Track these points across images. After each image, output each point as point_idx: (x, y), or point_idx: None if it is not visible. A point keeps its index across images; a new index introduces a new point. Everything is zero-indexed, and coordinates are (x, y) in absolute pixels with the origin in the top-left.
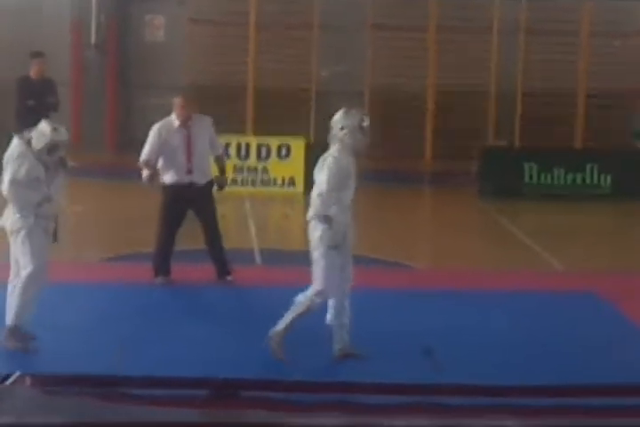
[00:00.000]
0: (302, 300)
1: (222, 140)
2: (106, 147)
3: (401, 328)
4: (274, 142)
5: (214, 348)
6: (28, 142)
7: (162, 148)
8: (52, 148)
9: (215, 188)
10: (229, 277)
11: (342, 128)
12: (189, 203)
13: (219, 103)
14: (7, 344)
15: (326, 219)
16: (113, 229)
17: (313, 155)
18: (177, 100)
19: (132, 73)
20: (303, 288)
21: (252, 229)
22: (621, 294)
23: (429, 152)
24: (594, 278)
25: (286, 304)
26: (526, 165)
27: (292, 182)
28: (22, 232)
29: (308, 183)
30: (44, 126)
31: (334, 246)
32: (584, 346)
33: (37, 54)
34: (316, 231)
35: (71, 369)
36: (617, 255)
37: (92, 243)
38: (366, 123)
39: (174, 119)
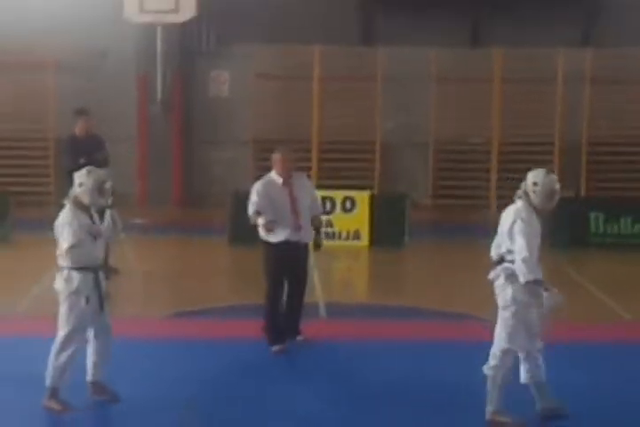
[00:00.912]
0: (492, 365)
1: None
2: (171, 202)
3: (469, 381)
4: (338, 195)
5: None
6: (75, 200)
7: (268, 204)
8: (100, 187)
9: (312, 247)
10: (300, 337)
11: (535, 184)
12: (294, 261)
13: None
14: (48, 404)
15: (539, 283)
16: (181, 285)
17: (377, 207)
18: (277, 156)
19: (196, 128)
20: (372, 341)
21: (317, 283)
22: None
23: (494, 204)
24: None
25: (354, 357)
26: (592, 215)
27: (356, 236)
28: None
29: (373, 236)
30: (77, 176)
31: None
32: None
33: (82, 112)
34: (507, 290)
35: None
36: None
37: (157, 300)
38: (555, 187)
39: (275, 177)
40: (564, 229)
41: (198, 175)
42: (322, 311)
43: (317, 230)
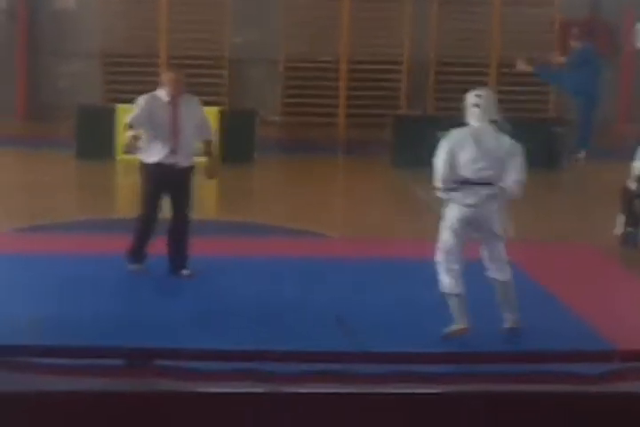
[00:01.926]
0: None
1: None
2: (16, 115)
3: (313, 297)
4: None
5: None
6: None
7: (146, 120)
8: None
9: (205, 176)
10: (186, 272)
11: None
12: (168, 185)
13: (131, 73)
14: None
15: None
16: (24, 199)
17: (227, 124)
18: (168, 75)
19: (42, 40)
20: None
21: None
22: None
23: (342, 122)
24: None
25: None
26: (440, 135)
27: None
28: None
29: (222, 153)
30: None
31: None
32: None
33: None
34: None
35: None
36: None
37: (2, 213)
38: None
39: (162, 94)
40: (411, 149)
41: (44, 88)
42: None
43: (209, 155)
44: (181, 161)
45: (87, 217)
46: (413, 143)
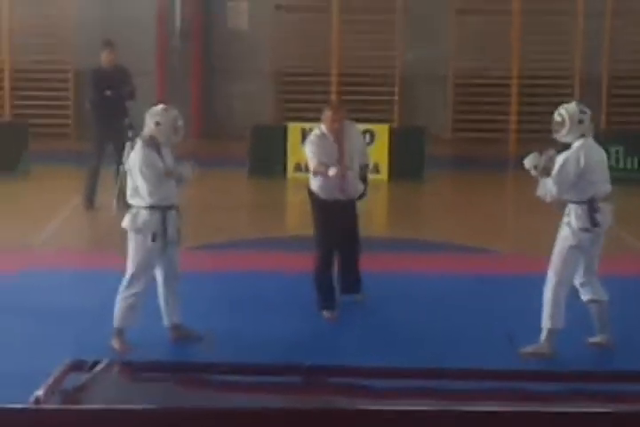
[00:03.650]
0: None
1: (306, 126)
2: (191, 135)
3: (486, 313)
4: (358, 129)
5: (297, 334)
6: (149, 139)
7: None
8: (175, 125)
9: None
10: (358, 297)
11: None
12: (340, 216)
13: (302, 91)
14: (113, 343)
15: None
16: (199, 217)
17: (396, 141)
18: (327, 114)
19: (215, 60)
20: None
21: None
22: None
23: (513, 137)
24: None
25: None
26: (612, 149)
27: (376, 169)
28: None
29: (392, 170)
30: (153, 114)
31: None
32: None
33: (108, 43)
34: None
35: (157, 357)
36: None
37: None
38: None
39: (327, 133)
40: None
41: (218, 108)
42: None
43: (364, 180)
44: (352, 194)
45: (260, 235)
46: None
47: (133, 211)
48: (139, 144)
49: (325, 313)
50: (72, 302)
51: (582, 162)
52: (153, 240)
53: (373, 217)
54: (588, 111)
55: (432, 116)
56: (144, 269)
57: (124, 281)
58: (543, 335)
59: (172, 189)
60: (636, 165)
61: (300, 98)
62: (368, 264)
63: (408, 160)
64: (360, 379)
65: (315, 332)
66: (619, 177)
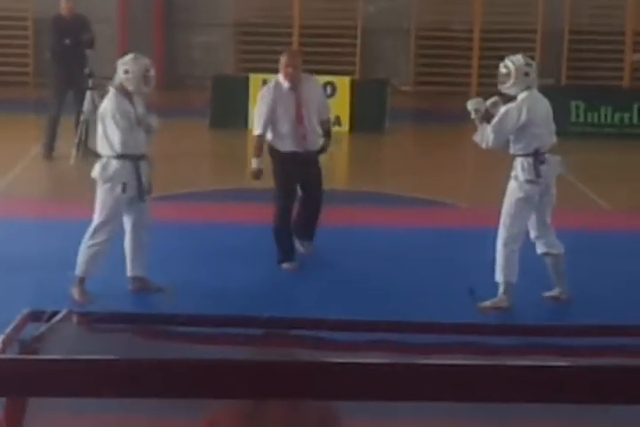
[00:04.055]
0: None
1: (268, 77)
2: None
3: (445, 267)
4: (319, 81)
5: (258, 285)
6: (120, 87)
7: (272, 115)
8: (145, 74)
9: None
10: (308, 247)
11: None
12: (302, 170)
13: (263, 42)
14: (72, 292)
15: None
16: (159, 167)
17: (358, 93)
18: (283, 59)
19: (177, 11)
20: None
21: None
22: None
23: (474, 90)
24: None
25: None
26: (573, 104)
27: (337, 121)
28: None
29: (353, 122)
30: (123, 63)
31: None
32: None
33: None
34: None
35: (117, 308)
36: None
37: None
38: None
39: (282, 81)
40: None
41: (179, 58)
42: None
43: (326, 135)
44: (311, 146)
45: (221, 186)
46: None
47: (103, 160)
48: (111, 92)
49: (285, 265)
50: (31, 251)
51: (524, 115)
52: (123, 191)
53: (334, 170)
54: (534, 63)
55: (394, 69)
56: (110, 219)
57: (90, 230)
58: (501, 289)
59: (143, 139)
60: (596, 120)
61: (262, 49)
62: (328, 218)
63: (370, 112)
64: (320, 331)
65: (275, 283)
66: (580, 131)
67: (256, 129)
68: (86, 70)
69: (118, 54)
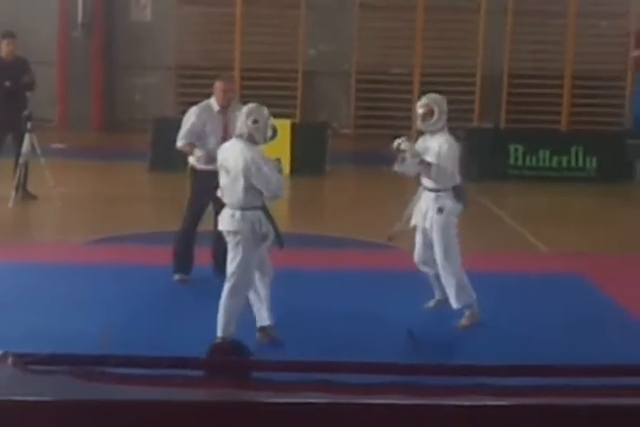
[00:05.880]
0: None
1: None
2: (92, 127)
3: (387, 311)
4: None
5: (198, 328)
6: (249, 136)
7: (198, 131)
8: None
9: None
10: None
11: None
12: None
13: (204, 85)
14: None
15: None
16: (99, 210)
17: (299, 136)
18: (218, 85)
19: (118, 53)
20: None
21: None
22: (606, 275)
23: (414, 133)
24: (578, 260)
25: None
26: (512, 147)
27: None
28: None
29: (294, 164)
30: (248, 110)
31: None
32: (568, 328)
33: (8, 34)
34: None
35: (56, 350)
36: (602, 237)
37: (76, 225)
38: None
39: (213, 103)
40: (483, 161)
41: (119, 100)
42: None
43: None
44: None
45: (159, 228)
46: (485, 156)
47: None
48: (241, 142)
49: (177, 276)
50: None
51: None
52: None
53: (274, 211)
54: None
55: (335, 112)
56: None
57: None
58: (466, 312)
59: None
60: (534, 163)
61: (202, 92)
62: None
63: (310, 155)
64: (260, 372)
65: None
66: (518, 175)
67: (178, 141)
68: (25, 113)
69: (58, 97)
